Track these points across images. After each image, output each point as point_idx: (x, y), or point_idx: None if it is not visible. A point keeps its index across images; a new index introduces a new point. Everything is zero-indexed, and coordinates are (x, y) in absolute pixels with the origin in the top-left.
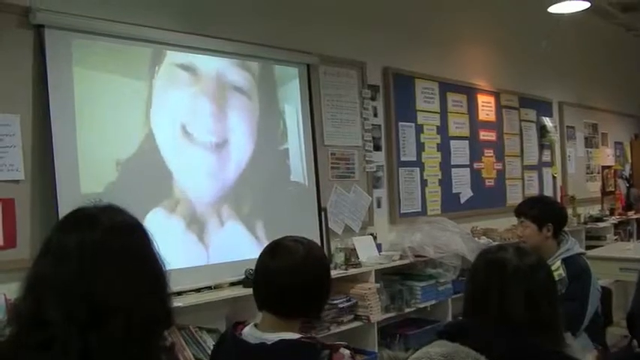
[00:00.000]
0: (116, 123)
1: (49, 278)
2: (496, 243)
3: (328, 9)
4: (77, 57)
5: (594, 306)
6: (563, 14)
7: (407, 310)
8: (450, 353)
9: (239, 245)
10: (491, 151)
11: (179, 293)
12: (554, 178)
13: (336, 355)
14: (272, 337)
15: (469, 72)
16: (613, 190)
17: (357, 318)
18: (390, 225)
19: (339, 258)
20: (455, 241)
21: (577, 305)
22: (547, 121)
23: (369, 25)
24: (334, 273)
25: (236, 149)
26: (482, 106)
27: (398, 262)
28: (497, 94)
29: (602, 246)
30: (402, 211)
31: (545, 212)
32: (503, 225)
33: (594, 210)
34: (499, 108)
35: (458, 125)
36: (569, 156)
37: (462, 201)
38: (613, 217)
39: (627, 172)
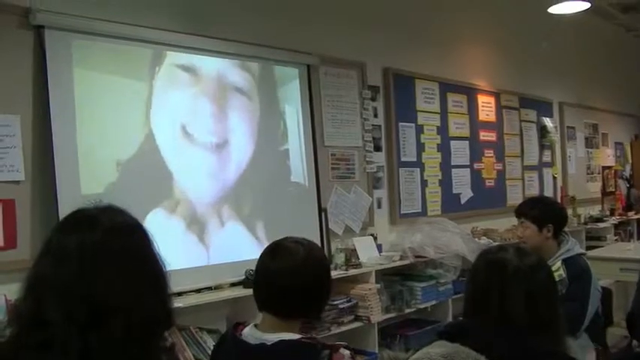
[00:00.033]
0: (116, 123)
1: (49, 279)
2: (496, 243)
3: (328, 10)
4: (77, 58)
5: (594, 306)
6: (563, 15)
7: (407, 310)
8: (450, 354)
9: (239, 246)
10: (492, 151)
11: (179, 294)
12: (554, 178)
13: (336, 355)
14: (272, 337)
15: (469, 72)
16: (613, 190)
17: (357, 318)
18: (390, 225)
19: (340, 258)
20: (455, 241)
21: (577, 306)
22: (547, 122)
23: (369, 25)
24: (334, 273)
25: (236, 150)
26: (483, 106)
27: (398, 263)
28: (497, 95)
29: (602, 246)
30: (402, 212)
31: (545, 213)
32: (504, 225)
33: (594, 210)
34: (499, 108)
35: (458, 126)
36: (569, 156)
37: (463, 201)
38: (613, 218)
39: (627, 172)
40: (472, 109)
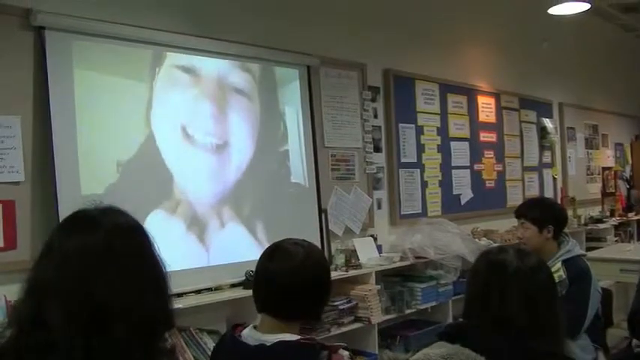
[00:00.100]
0: (116, 124)
1: (49, 280)
2: (497, 244)
3: (328, 11)
4: (78, 59)
5: (595, 308)
6: (563, 15)
7: (407, 311)
8: (450, 354)
9: (239, 247)
10: (492, 152)
11: (179, 295)
12: (554, 179)
13: (335, 356)
14: (271, 338)
15: (469, 73)
16: (613, 191)
17: (357, 319)
18: (390, 226)
19: (340, 259)
20: (455, 242)
21: (577, 307)
22: (547, 123)
23: (370, 26)
24: (335, 274)
25: (236, 151)
26: (483, 107)
27: (398, 264)
28: (497, 96)
29: (602, 247)
30: (402, 213)
31: (545, 214)
32: (504, 226)
33: (595, 211)
34: (499, 109)
35: (458, 126)
36: (569, 157)
37: (463, 202)
38: (613, 219)
39: (627, 173)
40: (472, 110)
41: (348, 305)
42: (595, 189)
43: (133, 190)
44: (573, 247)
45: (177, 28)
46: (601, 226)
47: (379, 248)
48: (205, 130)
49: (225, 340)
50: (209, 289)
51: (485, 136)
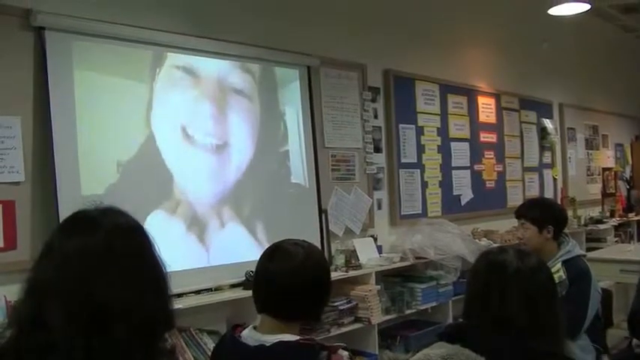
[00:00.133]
0: (117, 125)
1: (49, 281)
2: (497, 245)
3: (329, 11)
4: (78, 59)
5: (595, 308)
6: (563, 16)
7: (407, 311)
8: (450, 355)
9: (239, 247)
10: (492, 152)
11: (179, 295)
12: (554, 179)
13: (334, 356)
14: (271, 338)
15: (469, 74)
16: (613, 191)
17: (357, 320)
18: (390, 227)
19: (340, 260)
20: (455, 242)
21: (577, 307)
22: (547, 123)
23: (370, 27)
24: (335, 275)
25: (237, 151)
26: (483, 107)
27: (398, 264)
28: (497, 96)
29: (602, 248)
30: (402, 213)
31: (545, 214)
32: (504, 227)
33: (595, 212)
34: (499, 110)
35: (458, 127)
36: (569, 158)
37: (463, 203)
38: (613, 219)
39: (628, 173)
40: (472, 110)
41: (348, 306)
42: (595, 189)
43: (133, 190)
44: (573, 248)
45: (177, 28)
46: (601, 226)
47: (379, 249)
48: (205, 131)
49: (225, 340)
50: (209, 290)
51: (486, 137)
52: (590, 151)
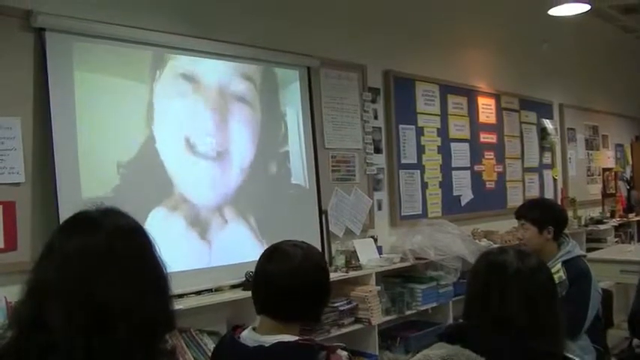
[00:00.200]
0: (117, 126)
1: (50, 282)
2: (497, 245)
3: (329, 12)
4: (78, 60)
5: (595, 308)
6: (563, 16)
7: (408, 312)
8: (450, 355)
9: (240, 247)
10: (492, 153)
11: (180, 296)
12: (554, 180)
13: (333, 356)
14: (270, 339)
15: (469, 74)
16: (614, 192)
17: (357, 320)
18: (390, 227)
19: (340, 260)
20: (456, 243)
21: (578, 308)
22: (547, 124)
23: (370, 27)
24: (335, 275)
25: (237, 152)
26: (483, 108)
27: (399, 265)
28: (497, 97)
29: (602, 248)
30: (402, 214)
31: (545, 215)
32: (504, 227)
33: (595, 212)
34: (499, 110)
35: (458, 127)
36: (569, 158)
37: (463, 203)
38: (614, 220)
39: (628, 174)
40: (472, 111)
41: (349, 306)
42: (595, 190)
43: (133, 191)
44: (573, 248)
45: (177, 29)
46: (601, 227)
47: (379, 249)
48: (205, 132)
49: (224, 341)
50: (209, 290)
51: (486, 137)
52: (590, 152)
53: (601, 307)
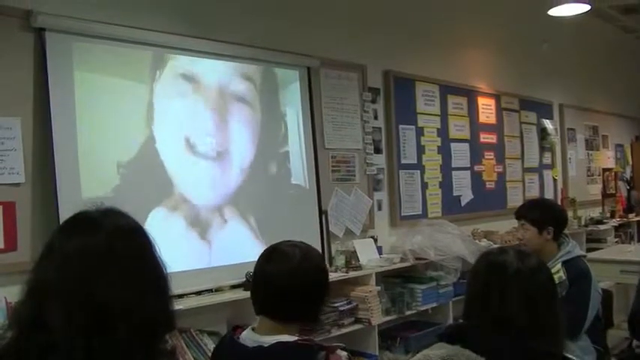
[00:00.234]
0: (117, 126)
1: (50, 282)
2: (497, 246)
3: (329, 12)
4: (78, 60)
5: (595, 309)
6: (563, 17)
7: (408, 312)
8: (450, 356)
9: (240, 248)
10: (492, 153)
11: (180, 296)
12: (554, 180)
13: (332, 356)
14: (269, 339)
15: (469, 74)
16: (614, 192)
17: (357, 321)
18: (390, 228)
19: (340, 261)
20: (456, 243)
21: (578, 308)
22: (547, 124)
23: (370, 28)
24: (335, 276)
25: (237, 152)
26: (483, 108)
27: (399, 265)
28: (497, 97)
29: (602, 248)
30: (402, 214)
31: (545, 215)
32: (504, 227)
33: (595, 212)
34: (499, 110)
35: (458, 128)
36: (569, 158)
37: (463, 203)
38: (614, 220)
39: (628, 174)
40: (472, 111)
41: (349, 306)
42: (595, 190)
43: (133, 191)
44: (573, 249)
45: (177, 29)
46: (601, 227)
47: (379, 249)
48: (205, 132)
49: (224, 342)
50: (210, 291)
51: (486, 138)
52: (590, 152)
53: (601, 308)
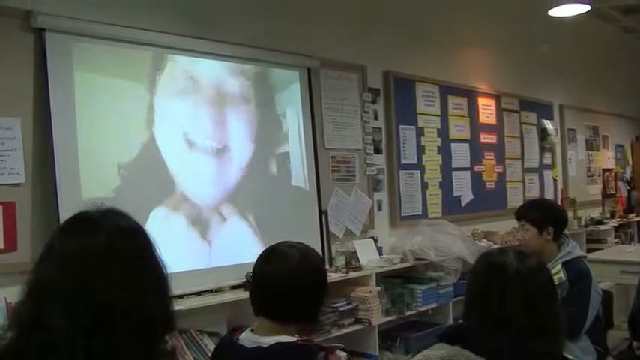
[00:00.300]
0: (117, 126)
1: (50, 282)
2: (497, 246)
3: (329, 12)
4: (78, 60)
5: (595, 309)
6: (563, 17)
7: (408, 313)
8: (450, 356)
9: (240, 248)
10: (492, 153)
11: (180, 296)
12: (554, 180)
13: (332, 357)
14: (268, 340)
15: (470, 75)
16: (614, 192)
17: (357, 321)
18: (390, 228)
19: (340, 261)
20: (456, 244)
21: (578, 308)
22: (548, 124)
23: (370, 28)
24: (335, 276)
25: (237, 153)
26: (483, 109)
27: (399, 265)
28: (497, 97)
29: (602, 249)
30: (402, 214)
31: (545, 215)
32: (504, 228)
33: (595, 213)
34: (500, 111)
35: (458, 128)
36: (569, 159)
37: (463, 204)
38: (614, 220)
39: (628, 174)
40: (472, 111)
41: (349, 307)
42: (595, 190)
43: (134, 192)
44: (573, 249)
45: (177, 30)
46: (601, 227)
47: (379, 250)
48: (205, 133)
49: (223, 342)
50: (210, 291)
51: (486, 138)
52: (590, 152)
53: (601, 308)
